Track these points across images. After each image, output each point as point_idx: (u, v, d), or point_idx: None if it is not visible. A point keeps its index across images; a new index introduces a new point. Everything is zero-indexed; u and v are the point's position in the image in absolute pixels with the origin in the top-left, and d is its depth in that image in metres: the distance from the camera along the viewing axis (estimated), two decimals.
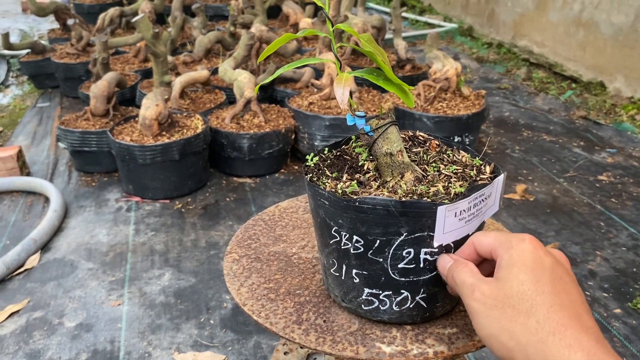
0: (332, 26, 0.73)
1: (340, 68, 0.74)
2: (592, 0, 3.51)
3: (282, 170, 2.54)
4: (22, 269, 1.84)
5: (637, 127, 3.05)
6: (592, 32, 3.55)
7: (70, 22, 3.38)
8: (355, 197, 0.66)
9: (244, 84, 2.44)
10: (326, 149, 0.82)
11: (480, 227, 0.71)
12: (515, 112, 3.29)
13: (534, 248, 0.53)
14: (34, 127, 3.04)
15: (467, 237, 0.69)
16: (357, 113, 0.74)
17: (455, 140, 2.56)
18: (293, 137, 2.51)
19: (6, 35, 3.42)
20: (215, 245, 1.97)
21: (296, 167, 2.58)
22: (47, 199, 2.26)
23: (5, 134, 3.01)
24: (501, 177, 0.72)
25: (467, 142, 2.60)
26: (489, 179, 0.76)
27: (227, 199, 2.29)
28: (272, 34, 2.98)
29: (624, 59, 3.32)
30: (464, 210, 0.66)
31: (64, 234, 2.04)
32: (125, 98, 2.90)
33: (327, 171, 0.75)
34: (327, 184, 0.70)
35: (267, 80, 0.74)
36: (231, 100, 2.75)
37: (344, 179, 0.74)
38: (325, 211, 0.69)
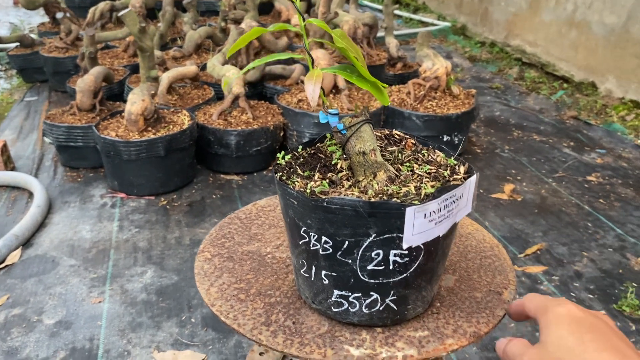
0: (304, 21, 0.71)
1: (312, 64, 0.72)
2: (585, 1, 3.51)
3: (270, 168, 2.52)
4: (2, 265, 1.81)
5: (627, 127, 3.05)
6: (584, 32, 3.55)
7: (59, 15, 3.34)
8: (323, 197, 0.65)
9: (232, 79, 2.42)
10: (300, 147, 0.81)
11: (453, 229, 0.70)
12: (506, 112, 3.28)
13: (569, 310, 0.55)
14: (20, 122, 3.01)
15: (437, 238, 0.67)
16: (330, 111, 0.73)
17: (445, 139, 2.55)
18: (282, 134, 2.49)
19: None
20: (199, 243, 1.94)
21: None
22: (31, 194, 2.23)
23: None
24: (473, 178, 0.70)
25: (457, 142, 2.59)
26: (462, 179, 0.75)
27: (214, 196, 2.27)
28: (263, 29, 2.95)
29: (616, 59, 3.32)
30: (434, 212, 0.65)
31: (47, 229, 2.02)
32: (114, 93, 2.87)
33: (299, 170, 0.74)
34: (297, 182, 0.69)
35: (238, 75, 0.72)
36: (220, 97, 2.73)
37: (316, 178, 0.72)
38: (294, 211, 0.67)
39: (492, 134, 2.97)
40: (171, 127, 2.25)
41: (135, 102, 2.18)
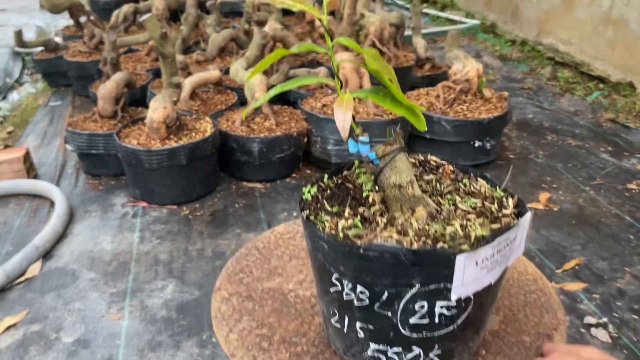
0: (332, 40, 0.63)
1: (341, 87, 0.65)
2: None
3: (294, 175, 2.45)
4: (23, 278, 1.78)
5: None
6: (622, 30, 3.39)
7: (82, 19, 3.32)
8: (359, 242, 0.57)
9: (255, 85, 2.36)
10: (326, 176, 0.73)
11: (503, 274, 0.62)
12: (539, 114, 3.15)
13: None
14: (44, 127, 3.00)
15: (489, 287, 0.59)
16: (360, 138, 0.65)
17: (476, 145, 2.45)
18: (305, 140, 2.42)
19: (19, 33, 3.39)
20: (221, 256, 1.89)
21: (308, 172, 2.49)
22: (53, 203, 2.21)
23: (16, 133, 2.97)
24: (527, 217, 0.62)
25: (489, 147, 2.48)
26: (512, 215, 0.66)
27: (236, 205, 2.21)
28: (286, 32, 2.89)
29: None
30: (486, 258, 0.57)
31: (67, 240, 1.98)
32: (136, 98, 2.84)
33: (326, 204, 0.66)
34: (326, 222, 0.61)
35: (259, 103, 0.65)
36: (243, 101, 2.67)
37: (346, 214, 0.65)
38: (324, 255, 0.60)
39: (525, 137, 2.85)
40: (193, 134, 2.20)
41: (157, 109, 2.13)
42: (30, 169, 2.41)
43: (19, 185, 2.28)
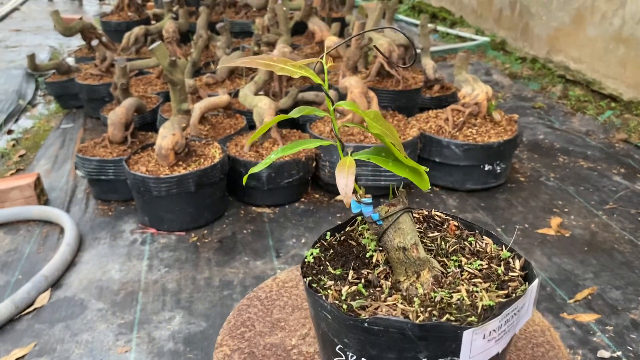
0: (332, 105, 0.63)
1: (342, 150, 0.64)
2: (633, 16, 3.32)
3: (303, 199, 2.44)
4: (31, 308, 1.79)
5: None
6: (633, 48, 3.36)
7: (94, 43, 3.36)
8: (363, 314, 0.56)
9: (264, 110, 2.36)
10: (328, 233, 0.72)
11: (511, 340, 0.61)
12: (550, 135, 3.12)
13: None
14: (55, 150, 3.02)
15: (496, 356, 0.58)
16: (363, 200, 0.64)
17: (486, 168, 2.43)
18: (314, 165, 2.41)
19: (32, 57, 3.43)
20: (229, 285, 1.88)
21: (317, 196, 2.48)
22: (62, 229, 2.22)
23: (28, 157, 3.00)
24: (535, 284, 0.60)
25: (499, 170, 2.46)
26: (519, 278, 0.65)
27: (245, 231, 2.21)
28: (295, 55, 2.90)
29: None
30: (494, 330, 0.56)
31: (76, 268, 1.99)
32: (146, 122, 2.86)
33: (329, 267, 0.65)
34: (329, 290, 0.60)
35: (262, 166, 0.64)
36: (252, 125, 2.68)
37: (350, 278, 0.64)
38: (327, 325, 0.59)
39: (536, 159, 2.82)
40: (202, 161, 2.20)
41: (166, 136, 2.14)
42: (41, 195, 2.42)
43: (29, 211, 2.29)
